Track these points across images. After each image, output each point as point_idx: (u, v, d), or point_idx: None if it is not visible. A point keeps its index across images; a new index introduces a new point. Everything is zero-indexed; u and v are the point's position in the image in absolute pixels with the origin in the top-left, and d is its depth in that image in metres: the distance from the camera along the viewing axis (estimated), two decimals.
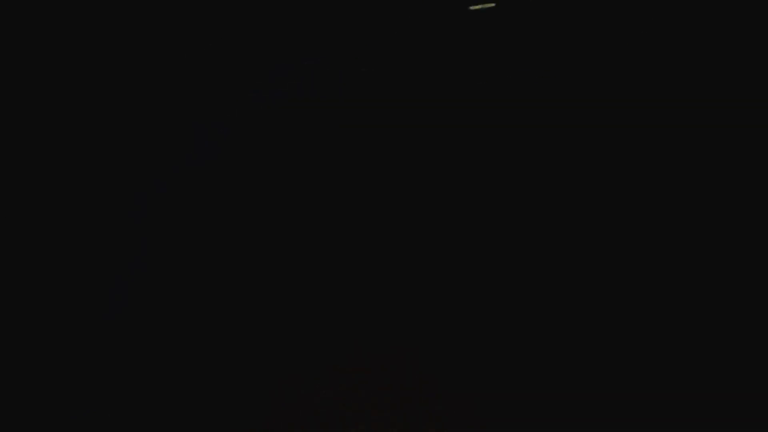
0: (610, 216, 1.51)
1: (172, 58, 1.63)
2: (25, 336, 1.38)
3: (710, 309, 1.42)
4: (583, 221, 1.50)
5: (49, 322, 1.40)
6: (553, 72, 1.61)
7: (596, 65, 1.60)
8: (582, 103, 1.61)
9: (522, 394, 1.35)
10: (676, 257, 1.46)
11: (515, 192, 1.53)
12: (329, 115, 1.62)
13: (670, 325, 1.41)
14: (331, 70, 1.64)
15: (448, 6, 1.64)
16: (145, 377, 1.38)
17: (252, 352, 1.40)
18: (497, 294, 1.45)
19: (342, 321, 1.43)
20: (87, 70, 1.61)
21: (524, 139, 1.58)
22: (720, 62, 1.59)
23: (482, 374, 1.38)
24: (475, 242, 1.49)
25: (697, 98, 1.58)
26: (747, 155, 1.52)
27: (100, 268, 1.46)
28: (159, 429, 1.32)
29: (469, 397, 1.35)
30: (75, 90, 1.60)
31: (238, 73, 1.64)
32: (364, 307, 1.44)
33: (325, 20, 1.66)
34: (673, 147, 1.55)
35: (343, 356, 1.40)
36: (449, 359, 1.40)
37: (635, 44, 1.60)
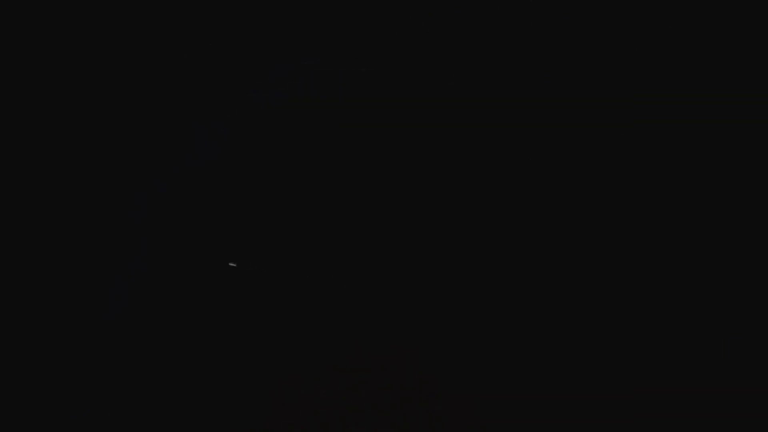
0: (609, 216, 1.51)
1: (172, 57, 1.63)
2: (24, 336, 1.38)
3: (710, 309, 1.42)
4: (582, 222, 1.50)
5: (48, 322, 1.40)
6: (553, 72, 1.61)
7: (596, 65, 1.60)
8: (582, 103, 1.61)
9: (522, 394, 1.35)
10: (677, 258, 1.46)
11: (516, 192, 1.53)
12: (329, 115, 1.62)
13: (670, 325, 1.41)
14: (331, 70, 1.64)
15: (448, 7, 1.64)
16: (145, 377, 1.38)
17: (252, 351, 1.40)
18: (497, 294, 1.45)
19: (342, 321, 1.43)
20: (86, 69, 1.61)
21: (524, 139, 1.58)
22: (720, 62, 1.59)
23: (482, 374, 1.38)
24: (476, 243, 1.50)
25: (699, 98, 1.58)
26: (747, 154, 1.52)
27: (100, 268, 1.46)
28: (159, 429, 1.32)
29: (469, 397, 1.35)
30: (74, 89, 1.60)
31: (238, 73, 1.64)
32: (364, 307, 1.44)
33: (325, 20, 1.66)
34: (673, 146, 1.55)
35: (343, 356, 1.40)
36: (449, 359, 1.40)
37: (634, 43, 1.60)
